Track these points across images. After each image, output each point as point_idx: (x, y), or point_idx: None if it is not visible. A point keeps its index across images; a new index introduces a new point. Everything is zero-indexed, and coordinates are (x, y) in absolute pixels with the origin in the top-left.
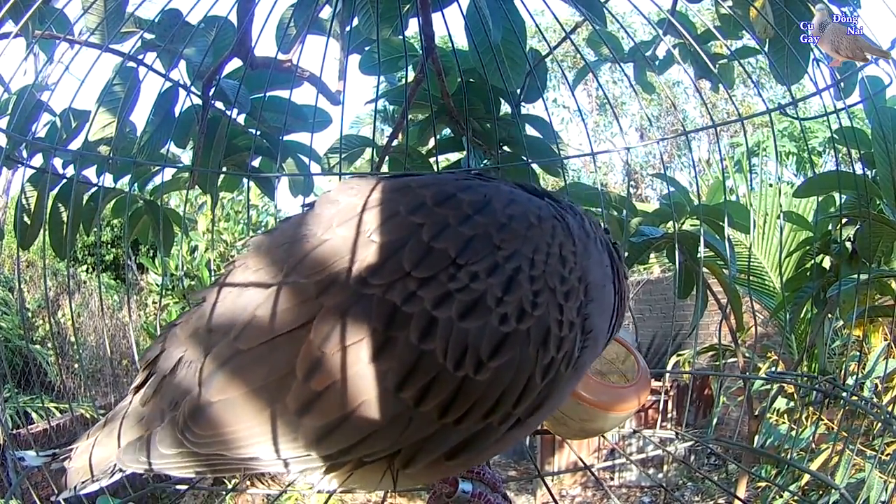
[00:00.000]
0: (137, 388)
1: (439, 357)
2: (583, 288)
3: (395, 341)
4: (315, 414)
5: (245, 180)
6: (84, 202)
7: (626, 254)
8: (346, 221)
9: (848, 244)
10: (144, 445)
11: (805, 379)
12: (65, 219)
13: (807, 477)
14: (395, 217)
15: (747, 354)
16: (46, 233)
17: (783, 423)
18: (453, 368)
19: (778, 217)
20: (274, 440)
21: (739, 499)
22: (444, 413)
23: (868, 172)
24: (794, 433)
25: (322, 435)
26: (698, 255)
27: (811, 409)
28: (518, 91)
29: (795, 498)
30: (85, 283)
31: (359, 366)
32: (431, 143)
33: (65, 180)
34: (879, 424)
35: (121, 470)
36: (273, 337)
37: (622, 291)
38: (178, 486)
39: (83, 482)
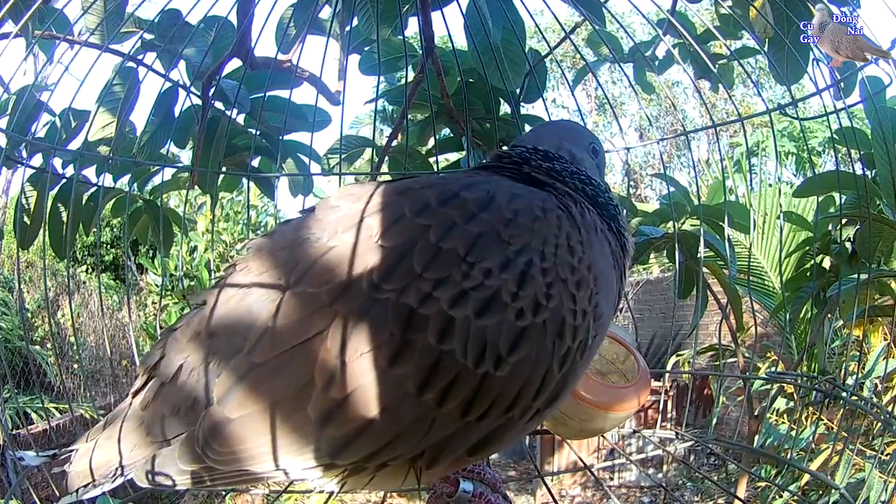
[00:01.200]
0: (136, 392)
1: (459, 356)
2: (592, 276)
3: (414, 344)
4: (337, 423)
5: (245, 180)
6: (84, 202)
7: None
8: (350, 227)
9: (848, 244)
10: (163, 462)
11: (805, 379)
12: (64, 219)
13: (807, 477)
14: (401, 220)
15: (747, 354)
16: (46, 233)
17: (783, 423)
18: (474, 366)
19: (778, 217)
20: (297, 452)
21: (739, 499)
22: (466, 412)
23: (868, 172)
24: (793, 433)
25: (345, 443)
26: (698, 255)
27: (811, 409)
28: (518, 91)
29: (795, 498)
30: (84, 283)
31: (378, 371)
32: (431, 143)
33: (64, 180)
34: (879, 424)
35: (123, 475)
36: (288, 348)
37: (622, 273)
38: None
39: (84, 486)
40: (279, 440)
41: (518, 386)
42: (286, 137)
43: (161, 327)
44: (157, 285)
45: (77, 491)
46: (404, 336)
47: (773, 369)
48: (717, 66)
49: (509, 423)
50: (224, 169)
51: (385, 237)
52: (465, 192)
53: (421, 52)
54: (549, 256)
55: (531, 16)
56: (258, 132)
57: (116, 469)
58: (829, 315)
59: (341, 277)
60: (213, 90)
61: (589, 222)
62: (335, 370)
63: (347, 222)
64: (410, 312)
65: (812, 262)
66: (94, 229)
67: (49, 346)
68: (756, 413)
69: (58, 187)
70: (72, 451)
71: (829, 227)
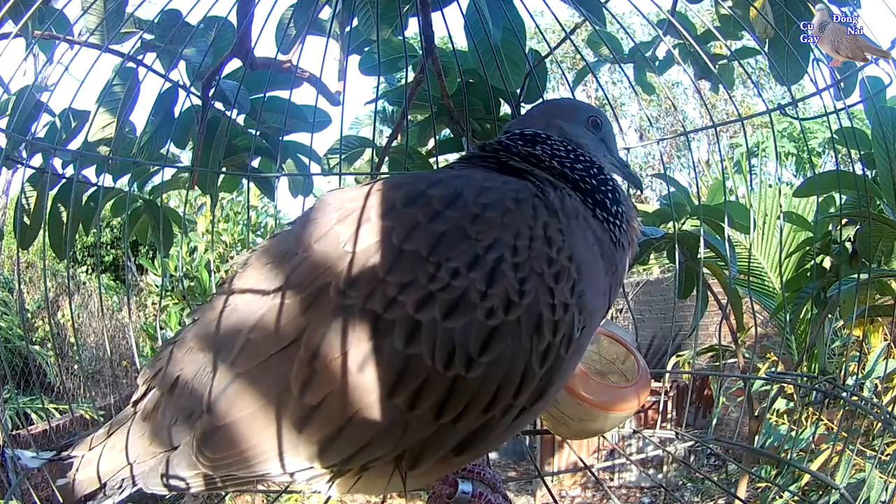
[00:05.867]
0: (137, 402)
1: (427, 359)
2: (574, 266)
3: (381, 349)
4: (313, 427)
5: (245, 181)
6: (84, 202)
7: None
8: (322, 236)
9: (848, 244)
10: (165, 469)
11: (805, 379)
12: (64, 219)
13: (807, 477)
14: (367, 224)
15: (747, 355)
16: (46, 233)
17: (783, 423)
18: (443, 369)
19: (778, 217)
20: (279, 456)
21: (739, 499)
22: (439, 414)
23: (868, 172)
24: (794, 433)
25: (323, 446)
26: (698, 256)
27: (811, 409)
28: (518, 91)
29: (795, 498)
30: (84, 283)
31: (349, 377)
32: (431, 143)
33: (64, 180)
34: (879, 424)
35: (133, 484)
36: (266, 357)
37: (617, 264)
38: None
39: (92, 492)
40: (262, 446)
41: (494, 386)
42: (286, 138)
43: (161, 328)
44: (157, 286)
45: (86, 499)
46: (371, 341)
47: (773, 370)
48: (717, 66)
49: (491, 422)
50: (224, 169)
51: (351, 243)
52: (431, 190)
53: (421, 52)
54: (523, 250)
55: (531, 16)
56: (258, 132)
57: (125, 480)
58: (830, 315)
59: (312, 287)
60: (212, 90)
61: (570, 209)
62: (309, 377)
63: (319, 231)
64: (376, 318)
65: (812, 262)
66: (94, 230)
67: (49, 346)
68: (756, 413)
69: (58, 187)
70: (73, 457)
71: (830, 228)
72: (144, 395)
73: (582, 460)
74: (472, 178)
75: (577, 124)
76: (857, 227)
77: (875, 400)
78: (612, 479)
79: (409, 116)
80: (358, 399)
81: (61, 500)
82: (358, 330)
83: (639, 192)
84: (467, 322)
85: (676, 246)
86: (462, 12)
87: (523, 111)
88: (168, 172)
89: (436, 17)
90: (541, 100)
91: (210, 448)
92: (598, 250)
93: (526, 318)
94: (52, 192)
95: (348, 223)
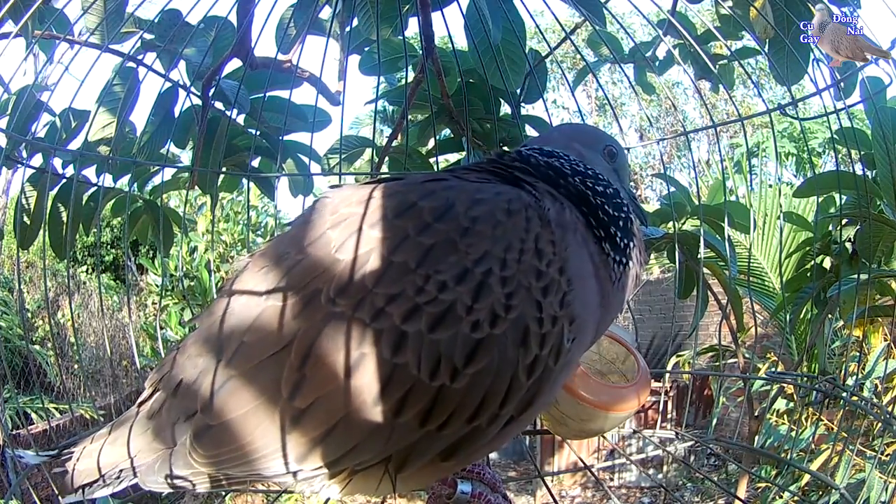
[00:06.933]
0: (142, 402)
1: (412, 369)
2: (564, 279)
3: (369, 358)
4: (301, 430)
5: (245, 181)
6: (84, 202)
7: None
8: (315, 240)
9: (848, 244)
10: (163, 466)
11: (805, 379)
12: (64, 219)
13: (807, 477)
14: (358, 233)
15: (747, 355)
16: (46, 233)
17: (783, 423)
18: (428, 379)
19: (778, 217)
20: (270, 456)
21: (739, 499)
22: (424, 422)
23: (868, 172)
24: (794, 434)
25: (310, 449)
26: (699, 256)
27: (811, 409)
28: (518, 91)
29: (795, 498)
30: (85, 283)
31: (336, 383)
32: (431, 143)
33: (64, 180)
34: (879, 424)
35: (134, 475)
36: (259, 361)
37: (614, 282)
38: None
39: (89, 484)
40: (252, 445)
41: (479, 396)
42: (286, 138)
43: (161, 328)
44: (157, 286)
45: (83, 489)
46: (359, 349)
47: (773, 370)
48: (717, 66)
49: (477, 431)
50: (224, 169)
51: (342, 250)
52: (422, 202)
53: (421, 52)
54: (512, 263)
55: (531, 16)
56: (258, 132)
57: (123, 471)
58: (830, 315)
59: (304, 292)
60: (212, 90)
61: (567, 222)
62: (298, 381)
63: (313, 235)
64: (364, 327)
65: (812, 262)
66: (94, 229)
67: (49, 346)
68: (756, 413)
69: (58, 187)
70: (73, 452)
71: (830, 228)
72: (151, 396)
73: (582, 460)
74: (465, 189)
75: (594, 151)
76: (857, 227)
77: (875, 400)
78: (612, 479)
79: (409, 116)
80: (345, 404)
81: (57, 491)
82: (346, 338)
83: (644, 227)
84: (453, 334)
85: (676, 246)
86: (462, 12)
87: (523, 111)
88: (168, 172)
89: (436, 17)
90: (548, 121)
91: (203, 446)
92: (593, 270)
93: (512, 332)
94: (52, 192)
95: (340, 229)
